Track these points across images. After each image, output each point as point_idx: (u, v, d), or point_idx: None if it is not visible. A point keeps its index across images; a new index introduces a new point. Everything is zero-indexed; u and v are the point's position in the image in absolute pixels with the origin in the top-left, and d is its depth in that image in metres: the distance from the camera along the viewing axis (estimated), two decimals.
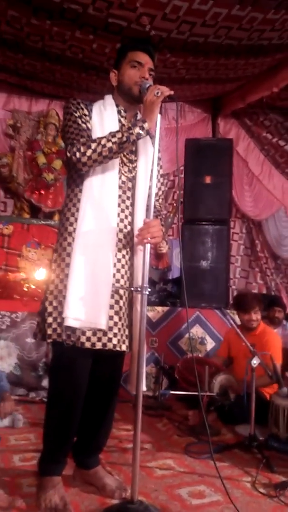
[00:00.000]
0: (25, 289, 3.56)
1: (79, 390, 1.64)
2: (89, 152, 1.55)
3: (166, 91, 1.55)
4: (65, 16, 3.09)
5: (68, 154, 1.58)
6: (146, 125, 1.58)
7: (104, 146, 1.55)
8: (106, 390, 1.77)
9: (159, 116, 1.59)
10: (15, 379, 3.11)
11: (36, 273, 3.86)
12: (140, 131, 1.57)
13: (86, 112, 1.67)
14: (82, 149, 1.56)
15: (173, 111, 4.67)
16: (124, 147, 1.58)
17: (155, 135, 1.64)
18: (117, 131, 1.58)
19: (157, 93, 1.54)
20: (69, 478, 1.80)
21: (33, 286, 3.60)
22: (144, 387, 1.58)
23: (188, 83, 4.18)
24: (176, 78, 3.98)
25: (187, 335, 3.45)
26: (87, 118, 1.66)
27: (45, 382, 3.14)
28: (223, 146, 3.86)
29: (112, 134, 1.57)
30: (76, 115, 1.65)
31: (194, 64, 3.73)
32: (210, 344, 3.53)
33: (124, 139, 1.56)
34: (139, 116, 1.82)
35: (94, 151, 1.55)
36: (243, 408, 2.33)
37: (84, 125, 1.64)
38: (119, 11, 2.99)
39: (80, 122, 1.64)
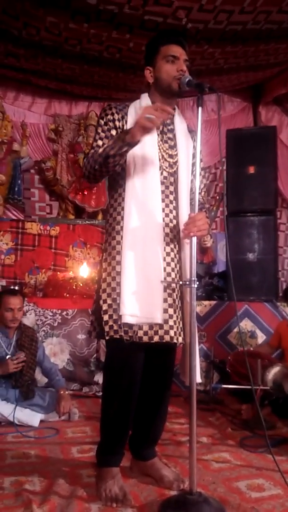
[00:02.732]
0: (74, 288, 3.66)
1: (134, 383, 1.66)
2: (87, 168, 1.62)
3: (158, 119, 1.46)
4: (101, 17, 3.13)
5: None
6: (127, 138, 1.49)
7: (95, 161, 1.58)
8: (160, 382, 1.78)
9: (200, 109, 1.57)
10: (69, 374, 3.22)
11: (81, 270, 3.96)
12: (125, 148, 1.51)
13: (115, 117, 1.68)
14: (85, 166, 1.64)
15: (212, 102, 4.61)
16: (110, 163, 1.55)
17: (195, 129, 1.62)
18: (112, 143, 1.55)
19: (149, 117, 1.46)
20: (127, 469, 1.83)
21: (81, 284, 3.70)
22: (198, 379, 1.59)
23: (227, 73, 4.11)
24: (215, 69, 3.93)
25: (236, 329, 3.41)
26: (112, 124, 1.67)
27: (97, 377, 3.22)
28: (266, 134, 3.75)
29: (107, 146, 1.56)
30: (102, 122, 1.69)
31: (233, 53, 3.66)
32: (260, 337, 3.46)
33: (104, 155, 1.54)
34: (176, 112, 1.81)
35: (86, 166, 1.63)
36: None
37: (103, 134, 1.67)
38: (155, 7, 3.00)
39: (100, 130, 1.68)
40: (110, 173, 1.64)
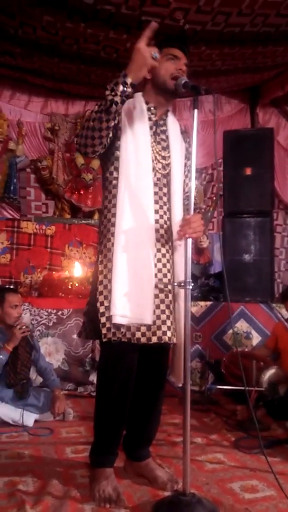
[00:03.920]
0: (69, 287, 3.66)
1: (129, 384, 1.66)
2: (81, 132, 1.54)
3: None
4: (99, 17, 3.13)
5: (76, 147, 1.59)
6: (128, 80, 1.45)
7: (93, 119, 1.49)
8: (154, 382, 1.79)
9: (196, 111, 1.57)
10: (63, 374, 3.21)
11: (75, 269, 3.96)
12: (124, 88, 1.46)
13: None
14: (78, 137, 1.56)
15: (209, 103, 4.61)
16: (113, 111, 1.47)
17: (190, 131, 1.62)
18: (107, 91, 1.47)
19: (155, 55, 1.47)
20: (121, 470, 1.83)
21: (76, 284, 3.69)
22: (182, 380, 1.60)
23: (225, 74, 4.12)
24: (212, 70, 3.93)
25: (231, 330, 3.41)
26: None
27: (92, 377, 3.21)
28: (263, 136, 3.76)
29: (97, 105, 1.50)
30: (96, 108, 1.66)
31: (231, 55, 3.67)
32: (256, 338, 3.47)
33: (108, 103, 1.46)
34: (170, 113, 1.81)
35: (84, 128, 1.52)
36: None
37: None
38: (152, 8, 2.99)
39: None
40: (105, 133, 1.53)
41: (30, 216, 4.53)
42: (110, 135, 1.60)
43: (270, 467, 1.59)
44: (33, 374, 2.77)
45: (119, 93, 1.46)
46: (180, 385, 1.57)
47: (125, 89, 1.47)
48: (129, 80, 1.47)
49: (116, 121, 1.54)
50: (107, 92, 1.47)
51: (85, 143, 1.55)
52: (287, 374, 2.58)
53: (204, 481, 1.80)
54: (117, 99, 1.46)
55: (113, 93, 1.46)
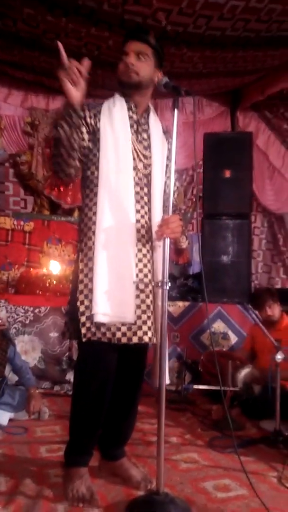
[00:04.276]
0: (47, 285, 3.62)
1: (107, 384, 1.66)
2: (53, 162, 1.60)
3: None
4: (80, 12, 3.10)
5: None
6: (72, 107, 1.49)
7: (56, 147, 1.56)
8: (132, 382, 1.79)
9: (176, 111, 1.58)
10: (40, 372, 3.18)
11: (53, 267, 3.92)
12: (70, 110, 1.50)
13: (87, 114, 1.64)
14: (53, 162, 1.61)
15: (190, 105, 4.62)
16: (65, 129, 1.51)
17: (170, 130, 1.63)
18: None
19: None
20: (95, 469, 1.82)
21: (54, 282, 3.66)
22: (167, 380, 1.60)
23: (206, 77, 4.15)
24: (194, 73, 3.96)
25: (209, 330, 3.45)
26: (83, 121, 1.63)
27: (69, 376, 3.19)
28: (243, 140, 3.82)
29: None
30: None
31: (212, 58, 3.69)
32: (233, 339, 3.52)
33: (63, 118, 1.50)
34: (151, 112, 1.80)
35: (53, 160, 1.59)
36: (268, 403, 2.32)
37: None
38: (134, 7, 2.99)
39: None
40: (74, 157, 1.58)
41: (8, 211, 4.44)
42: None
43: (242, 466, 1.62)
44: (7, 372, 2.73)
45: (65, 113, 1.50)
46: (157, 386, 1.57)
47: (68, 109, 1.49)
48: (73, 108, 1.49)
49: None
50: (61, 120, 1.50)
51: (60, 168, 1.61)
52: (262, 374, 2.62)
53: (178, 480, 1.81)
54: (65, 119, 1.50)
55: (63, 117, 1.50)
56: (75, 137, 1.54)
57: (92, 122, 1.66)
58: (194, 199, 4.95)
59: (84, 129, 1.63)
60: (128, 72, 1.65)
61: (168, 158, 1.81)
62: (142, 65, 1.65)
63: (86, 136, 1.64)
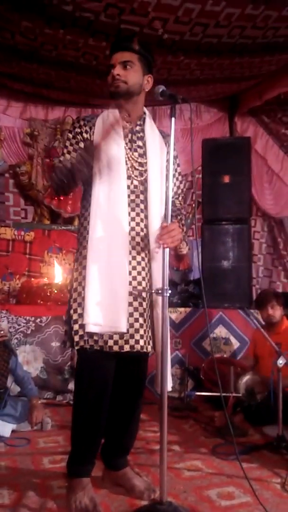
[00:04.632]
0: (48, 294, 3.62)
1: (105, 392, 1.66)
2: (53, 181, 1.66)
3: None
4: (78, 24, 3.13)
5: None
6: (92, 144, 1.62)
7: (61, 173, 1.62)
8: (132, 391, 1.78)
9: (173, 119, 1.60)
10: (42, 382, 3.16)
11: (56, 276, 3.92)
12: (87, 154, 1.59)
13: (83, 129, 1.70)
14: (52, 179, 1.67)
15: (188, 111, 4.66)
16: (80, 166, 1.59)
17: (168, 135, 1.65)
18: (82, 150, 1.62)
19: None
20: (98, 479, 1.81)
21: (56, 291, 3.66)
22: (169, 387, 1.60)
23: (203, 84, 4.17)
24: (191, 79, 3.98)
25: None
26: (80, 137, 1.70)
27: (71, 385, 3.18)
28: (241, 145, 3.83)
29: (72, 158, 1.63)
30: (70, 136, 1.73)
31: (209, 65, 3.72)
32: (235, 344, 3.50)
33: (79, 157, 1.59)
34: (147, 119, 1.80)
35: (53, 179, 1.66)
36: (270, 409, 2.31)
37: (71, 147, 1.70)
38: (131, 17, 3.01)
39: (68, 144, 1.72)
40: (78, 184, 1.67)
41: (8, 221, 4.47)
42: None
43: (245, 474, 1.61)
44: (10, 383, 2.73)
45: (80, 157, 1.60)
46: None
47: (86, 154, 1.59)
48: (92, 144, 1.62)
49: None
50: (76, 155, 1.64)
51: (62, 190, 1.70)
52: (264, 379, 2.60)
53: (182, 489, 1.80)
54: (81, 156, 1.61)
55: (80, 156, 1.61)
56: (86, 172, 1.61)
57: (88, 136, 1.69)
58: (193, 205, 4.95)
59: (82, 145, 1.68)
60: (115, 83, 1.67)
61: (168, 162, 1.81)
62: (129, 73, 1.67)
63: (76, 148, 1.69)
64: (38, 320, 3.31)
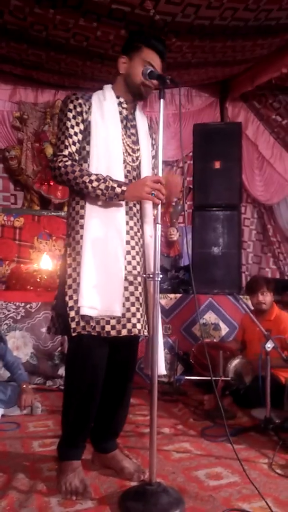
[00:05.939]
0: (38, 280, 3.60)
1: (98, 377, 1.66)
2: (67, 177, 1.59)
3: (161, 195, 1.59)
4: (68, 3, 3.05)
5: (51, 164, 1.64)
6: (121, 196, 1.59)
7: (83, 183, 1.58)
8: (123, 375, 1.79)
9: (162, 101, 1.58)
10: (32, 368, 3.17)
11: (43, 262, 3.90)
12: (114, 198, 1.59)
13: (84, 108, 1.66)
14: (62, 170, 1.59)
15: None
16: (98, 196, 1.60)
17: (156, 124, 1.64)
18: (103, 181, 1.57)
19: (152, 194, 1.58)
20: (88, 462, 1.83)
21: (45, 277, 3.64)
22: (163, 371, 1.61)
23: (195, 67, 4.12)
24: (183, 63, 3.93)
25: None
26: (81, 118, 1.65)
27: (61, 371, 3.19)
28: (232, 130, 3.81)
29: (97, 180, 1.57)
30: (70, 115, 1.65)
31: (201, 47, 3.67)
32: (224, 330, 3.54)
33: (101, 195, 1.58)
34: (138, 108, 1.83)
35: (71, 179, 1.59)
36: (258, 392, 2.34)
37: (72, 130, 1.64)
38: None
39: (69, 125, 1.64)
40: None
41: None
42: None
43: (236, 454, 1.63)
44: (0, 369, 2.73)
45: (107, 195, 1.58)
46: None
47: (116, 198, 1.59)
48: (121, 197, 1.58)
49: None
50: (98, 192, 1.58)
51: (63, 184, 1.65)
52: (253, 363, 2.64)
53: (170, 470, 1.83)
54: (107, 197, 1.59)
55: (103, 195, 1.58)
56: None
57: (87, 117, 1.66)
58: (184, 191, 4.94)
59: (82, 127, 1.65)
60: (148, 92, 1.73)
61: (153, 154, 1.86)
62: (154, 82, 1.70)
63: (80, 136, 1.66)
64: (28, 306, 3.30)
